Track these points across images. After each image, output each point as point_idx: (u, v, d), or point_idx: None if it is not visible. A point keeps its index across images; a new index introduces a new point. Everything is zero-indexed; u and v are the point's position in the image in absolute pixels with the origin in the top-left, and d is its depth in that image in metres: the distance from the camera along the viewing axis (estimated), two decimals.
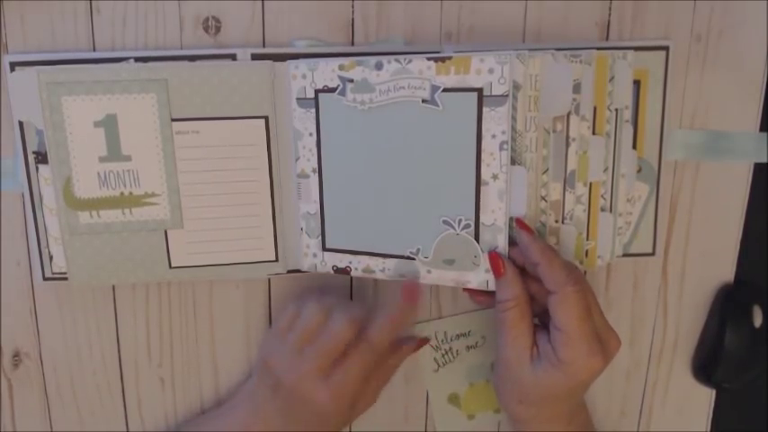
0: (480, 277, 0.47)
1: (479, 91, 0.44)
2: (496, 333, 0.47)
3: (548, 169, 0.47)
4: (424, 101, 0.46)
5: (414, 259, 0.49)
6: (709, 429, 0.61)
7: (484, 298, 0.48)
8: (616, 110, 0.49)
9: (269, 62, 0.49)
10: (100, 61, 0.49)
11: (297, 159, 0.51)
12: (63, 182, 0.49)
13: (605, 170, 0.49)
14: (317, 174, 0.50)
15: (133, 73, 0.48)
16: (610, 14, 0.52)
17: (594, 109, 0.47)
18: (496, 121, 0.44)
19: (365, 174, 0.49)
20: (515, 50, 0.44)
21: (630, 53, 0.49)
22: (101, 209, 0.50)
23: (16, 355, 0.54)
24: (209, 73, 0.49)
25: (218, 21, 0.50)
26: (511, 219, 0.46)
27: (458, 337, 0.57)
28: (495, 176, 0.45)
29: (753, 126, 0.55)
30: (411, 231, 0.48)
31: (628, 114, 0.50)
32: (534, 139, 0.45)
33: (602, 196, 0.49)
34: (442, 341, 0.57)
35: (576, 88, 0.46)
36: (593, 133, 0.48)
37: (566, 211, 0.48)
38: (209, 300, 0.55)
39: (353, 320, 0.46)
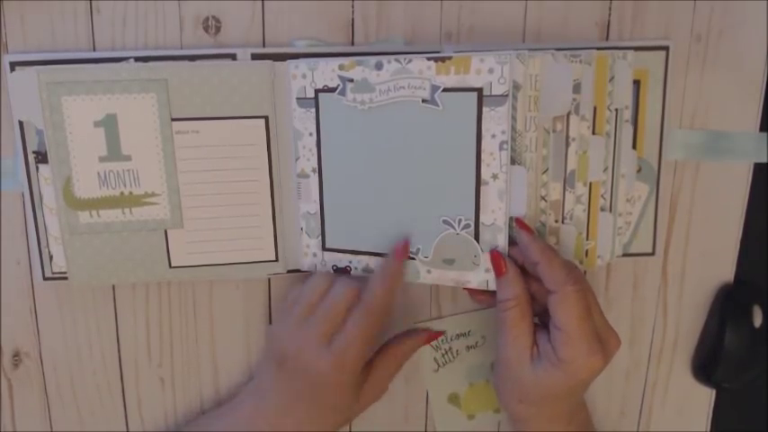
0: (480, 277, 0.47)
1: (479, 91, 0.44)
2: (497, 332, 0.47)
3: (547, 169, 0.47)
4: (424, 101, 0.46)
5: (414, 259, 0.49)
6: (709, 429, 0.61)
7: (484, 297, 0.48)
8: (616, 110, 0.49)
9: (269, 62, 0.49)
10: (100, 61, 0.49)
11: (297, 159, 0.51)
12: (63, 182, 0.49)
13: (605, 170, 0.49)
14: (317, 174, 0.50)
15: (133, 73, 0.48)
16: (610, 14, 0.52)
17: (594, 109, 0.47)
18: (496, 121, 0.44)
19: (365, 174, 0.49)
20: (515, 50, 0.44)
21: (630, 53, 0.49)
22: (101, 208, 0.50)
23: (16, 354, 0.54)
24: (209, 73, 0.49)
25: (218, 21, 0.50)
26: (511, 219, 0.46)
27: (458, 337, 0.57)
28: (494, 176, 0.45)
29: (753, 126, 0.55)
30: (411, 231, 0.48)
31: (628, 114, 0.50)
32: (534, 138, 0.45)
33: (601, 196, 0.49)
34: (442, 341, 0.57)
35: (576, 88, 0.46)
36: (593, 133, 0.48)
37: (565, 211, 0.48)
38: (209, 300, 0.55)
39: (352, 288, 0.47)
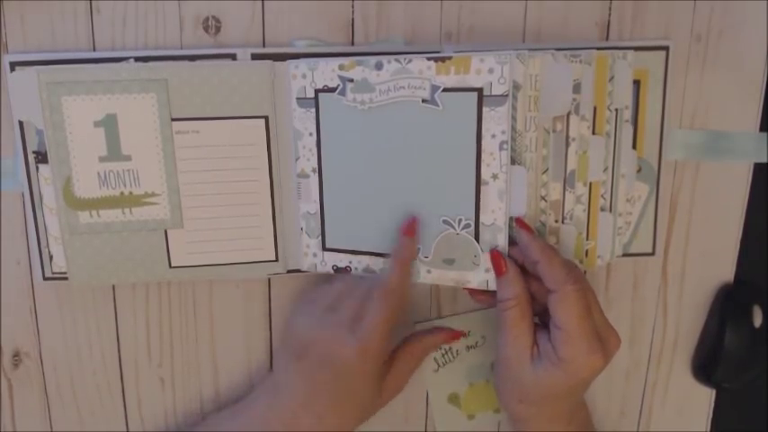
0: (480, 277, 0.47)
1: (479, 91, 0.44)
2: (497, 332, 0.47)
3: (547, 169, 0.47)
4: (424, 101, 0.46)
5: (414, 259, 0.49)
6: (709, 429, 0.61)
7: (484, 297, 0.48)
8: (616, 110, 0.49)
9: (269, 62, 0.49)
10: (100, 61, 0.49)
11: (297, 159, 0.51)
12: (63, 182, 0.49)
13: (605, 170, 0.49)
14: (316, 173, 0.50)
15: (133, 73, 0.48)
16: (610, 14, 0.52)
17: (594, 109, 0.47)
18: (496, 121, 0.44)
19: (365, 173, 0.49)
20: (515, 50, 0.44)
21: (630, 53, 0.49)
22: (101, 208, 0.50)
23: (16, 354, 0.54)
24: (209, 73, 0.49)
25: (218, 21, 0.50)
26: (510, 218, 0.46)
27: None
28: (495, 176, 0.45)
29: (753, 126, 0.55)
30: None
31: (628, 114, 0.50)
32: (534, 138, 0.45)
33: (602, 196, 0.49)
34: None
35: (576, 88, 0.46)
36: (593, 133, 0.48)
37: (566, 211, 0.48)
38: (209, 300, 0.55)
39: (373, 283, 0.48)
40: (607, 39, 0.53)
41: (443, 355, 0.57)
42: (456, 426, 0.58)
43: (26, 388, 0.55)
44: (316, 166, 0.50)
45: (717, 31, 0.53)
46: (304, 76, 0.49)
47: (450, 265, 0.48)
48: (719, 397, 0.60)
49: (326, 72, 0.48)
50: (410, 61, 0.46)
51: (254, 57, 0.50)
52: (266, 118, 0.50)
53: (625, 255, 0.55)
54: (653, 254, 0.56)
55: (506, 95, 0.44)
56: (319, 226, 0.51)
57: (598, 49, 0.48)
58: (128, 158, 0.49)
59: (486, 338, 0.57)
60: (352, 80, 0.47)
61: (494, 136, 0.44)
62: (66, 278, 0.51)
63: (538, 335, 0.45)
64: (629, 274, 0.57)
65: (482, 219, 0.46)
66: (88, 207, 0.49)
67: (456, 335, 0.54)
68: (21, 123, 0.49)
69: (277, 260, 0.52)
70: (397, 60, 0.46)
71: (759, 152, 0.55)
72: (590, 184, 0.48)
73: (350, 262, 0.51)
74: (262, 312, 0.55)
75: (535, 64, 0.44)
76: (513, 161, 0.45)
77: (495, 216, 0.46)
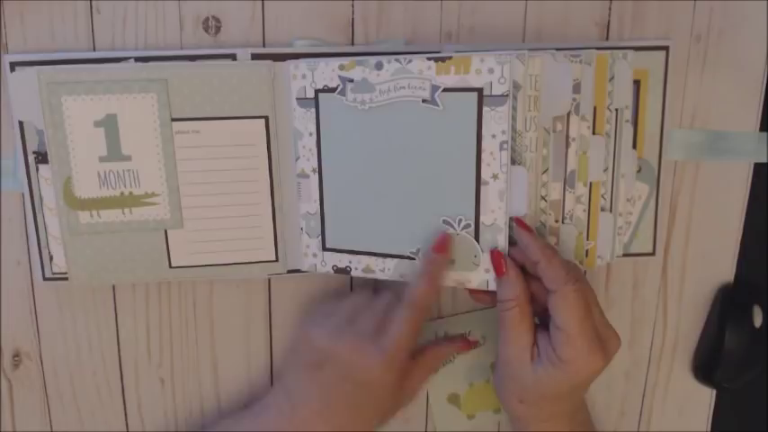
0: (480, 277, 0.47)
1: (479, 91, 0.44)
2: (497, 332, 0.47)
3: (548, 169, 0.47)
4: (424, 101, 0.46)
5: (414, 259, 0.49)
6: (709, 429, 0.61)
7: (485, 297, 0.48)
8: (616, 110, 0.49)
9: (269, 62, 0.49)
10: (100, 61, 0.49)
11: (297, 159, 0.51)
12: (63, 182, 0.49)
13: (605, 170, 0.49)
14: (317, 174, 0.50)
15: (133, 73, 0.48)
16: (610, 14, 0.52)
17: (594, 109, 0.47)
18: (497, 121, 0.44)
19: (365, 173, 0.49)
20: (515, 50, 0.44)
21: (630, 53, 0.49)
22: (101, 209, 0.50)
23: (16, 355, 0.54)
24: (209, 73, 0.49)
25: (218, 21, 0.50)
26: (510, 219, 0.46)
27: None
28: (495, 176, 0.45)
29: (753, 126, 0.55)
30: (411, 231, 0.48)
31: (628, 114, 0.50)
32: (534, 138, 0.45)
33: (602, 196, 0.49)
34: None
35: (576, 88, 0.46)
36: (594, 133, 0.48)
37: (566, 211, 0.48)
38: (209, 300, 0.55)
39: (397, 294, 0.48)
40: (607, 39, 0.53)
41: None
42: (456, 426, 0.58)
43: (26, 388, 0.55)
44: (316, 166, 0.50)
45: (717, 31, 0.53)
46: (304, 77, 0.49)
47: (450, 266, 0.48)
48: (719, 397, 0.60)
49: (327, 72, 0.48)
50: (410, 61, 0.46)
51: (254, 57, 0.50)
52: (266, 118, 0.50)
53: (625, 255, 0.55)
54: (653, 254, 0.56)
55: (507, 95, 0.44)
56: (319, 226, 0.51)
57: (598, 49, 0.48)
58: (128, 158, 0.49)
59: (486, 338, 0.57)
60: (352, 80, 0.47)
61: (494, 136, 0.44)
62: (66, 278, 0.51)
63: (538, 335, 0.45)
64: (630, 275, 0.57)
65: (482, 219, 0.46)
66: (88, 207, 0.49)
67: (470, 344, 0.54)
68: (21, 123, 0.49)
69: (277, 260, 0.52)
70: (397, 60, 0.46)
71: (759, 152, 0.55)
72: (590, 184, 0.48)
73: (350, 262, 0.51)
74: (262, 312, 0.55)
75: (535, 64, 0.44)
76: (513, 161, 0.45)
77: (496, 216, 0.46)
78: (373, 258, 0.50)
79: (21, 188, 0.51)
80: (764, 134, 0.55)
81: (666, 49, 0.52)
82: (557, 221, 0.48)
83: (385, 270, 0.50)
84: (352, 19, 0.51)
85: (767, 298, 0.57)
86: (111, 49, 0.50)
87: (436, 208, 0.47)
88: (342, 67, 0.48)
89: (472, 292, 0.49)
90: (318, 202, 0.51)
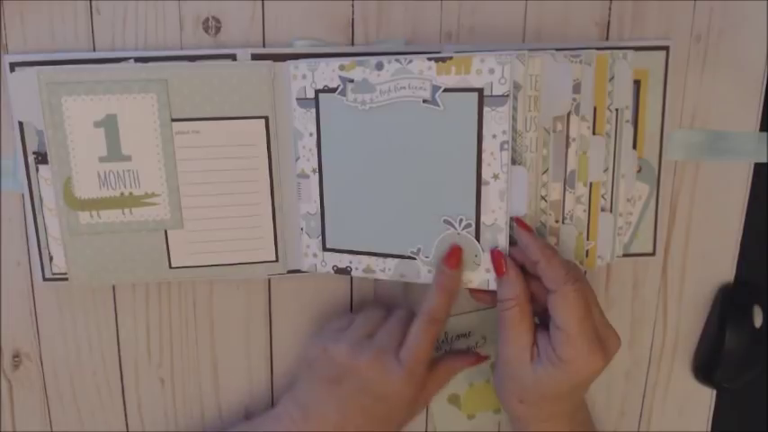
0: (481, 277, 0.47)
1: (480, 91, 0.44)
2: (498, 332, 0.47)
3: (548, 169, 0.47)
4: (424, 101, 0.46)
5: (414, 259, 0.49)
6: (709, 429, 0.61)
7: (486, 296, 0.48)
8: (616, 110, 0.49)
9: (269, 62, 0.49)
10: (100, 61, 0.49)
11: (297, 159, 0.51)
12: (63, 182, 0.49)
13: (605, 170, 0.49)
14: (317, 174, 0.50)
15: (133, 73, 0.48)
16: (610, 14, 0.52)
17: (594, 109, 0.47)
18: (497, 121, 0.44)
19: (365, 174, 0.49)
20: (515, 50, 0.44)
21: (630, 53, 0.49)
22: (101, 209, 0.50)
23: (16, 355, 0.54)
24: (209, 73, 0.49)
25: (218, 21, 0.50)
26: (511, 218, 0.46)
27: (458, 337, 0.57)
28: (495, 176, 0.45)
29: (753, 126, 0.55)
30: (412, 231, 0.48)
31: (628, 114, 0.50)
32: (534, 139, 0.45)
33: (602, 196, 0.49)
34: (443, 342, 0.57)
35: (576, 88, 0.46)
36: (594, 133, 0.48)
37: (566, 211, 0.48)
38: (209, 300, 0.55)
39: (410, 312, 0.50)
40: (607, 39, 0.53)
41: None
42: (456, 426, 0.58)
43: (26, 389, 0.55)
44: (316, 166, 0.50)
45: (717, 31, 0.53)
46: (304, 77, 0.49)
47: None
48: (720, 397, 0.60)
49: (327, 72, 0.48)
50: (411, 61, 0.46)
51: (254, 57, 0.50)
52: (266, 118, 0.50)
53: (625, 255, 0.55)
54: (653, 254, 0.56)
55: (507, 96, 0.44)
56: (319, 226, 0.51)
57: (598, 49, 0.48)
58: (128, 159, 0.49)
59: (486, 338, 0.57)
60: (352, 80, 0.47)
61: (494, 136, 0.44)
62: (66, 279, 0.51)
63: (538, 335, 0.45)
64: (630, 275, 0.57)
65: (483, 219, 0.46)
66: (88, 207, 0.49)
67: (481, 358, 0.54)
68: (21, 124, 0.49)
69: (277, 260, 0.52)
70: (397, 61, 0.46)
71: (759, 152, 0.55)
72: (590, 184, 0.48)
73: (350, 262, 0.51)
74: (262, 312, 0.55)
75: (535, 64, 0.44)
76: (513, 161, 0.45)
77: (496, 216, 0.46)
78: (374, 258, 0.50)
79: (21, 188, 0.51)
80: (764, 134, 0.55)
81: (666, 49, 0.52)
82: (557, 221, 0.48)
83: (385, 270, 0.50)
84: (352, 19, 0.51)
85: (767, 298, 0.57)
86: (111, 49, 0.50)
87: (437, 208, 0.47)
88: (342, 68, 0.48)
89: (473, 291, 0.49)
90: (318, 202, 0.51)
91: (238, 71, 0.49)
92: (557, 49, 0.46)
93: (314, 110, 0.49)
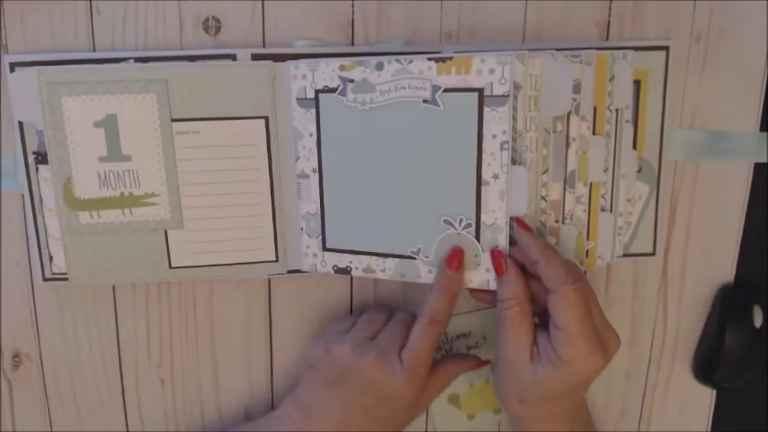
0: (481, 277, 0.47)
1: (480, 91, 0.44)
2: (498, 332, 0.47)
3: (548, 169, 0.47)
4: (425, 101, 0.46)
5: (415, 259, 0.49)
6: (709, 429, 0.61)
7: (486, 296, 0.48)
8: (616, 110, 0.49)
9: (269, 62, 0.49)
10: (100, 61, 0.49)
11: (297, 159, 0.51)
12: (63, 182, 0.49)
13: (605, 170, 0.49)
14: (317, 174, 0.50)
15: (133, 73, 0.48)
16: (610, 14, 0.52)
17: (594, 109, 0.47)
18: (497, 121, 0.44)
19: (366, 174, 0.49)
20: (515, 51, 0.44)
21: (630, 53, 0.49)
22: (101, 209, 0.50)
23: (16, 355, 0.54)
24: (209, 73, 0.49)
25: (218, 21, 0.50)
26: (511, 218, 0.46)
27: (458, 337, 0.57)
28: (495, 176, 0.45)
29: (753, 126, 0.55)
30: (412, 231, 0.48)
31: (628, 114, 0.50)
32: (534, 139, 0.45)
33: (602, 196, 0.49)
34: (443, 342, 0.57)
35: (576, 88, 0.46)
36: (594, 133, 0.48)
37: (566, 211, 0.48)
38: (209, 300, 0.55)
39: (412, 314, 0.50)
40: (607, 39, 0.53)
41: (443, 356, 0.57)
42: (456, 426, 0.58)
43: (26, 389, 0.55)
44: (316, 166, 0.50)
45: (717, 31, 0.53)
46: (304, 77, 0.49)
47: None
48: (719, 397, 0.60)
49: (327, 72, 0.48)
50: (411, 62, 0.46)
51: (254, 57, 0.50)
52: (266, 118, 0.50)
53: (625, 255, 0.55)
54: (653, 254, 0.56)
55: (507, 96, 0.44)
56: (319, 226, 0.51)
57: (598, 49, 0.48)
58: (128, 159, 0.49)
59: (486, 338, 0.57)
60: (352, 80, 0.47)
61: (494, 136, 0.44)
62: (66, 279, 0.51)
63: (538, 335, 0.45)
64: (629, 275, 0.57)
65: (483, 218, 0.46)
66: (88, 207, 0.49)
67: (482, 363, 0.54)
68: (21, 124, 0.49)
69: (277, 260, 0.52)
70: (397, 61, 0.46)
71: (759, 152, 0.55)
72: (590, 184, 0.48)
73: (350, 262, 0.51)
74: (262, 312, 0.55)
75: (535, 64, 0.44)
76: (513, 161, 0.45)
77: (496, 216, 0.46)
78: (374, 258, 0.50)
79: (21, 189, 0.51)
80: (764, 134, 0.55)
81: (666, 49, 0.52)
82: (557, 221, 0.48)
83: (385, 270, 0.50)
84: (352, 19, 0.51)
85: (767, 298, 0.57)
86: (111, 49, 0.50)
87: (437, 208, 0.47)
88: (342, 68, 0.48)
89: (473, 291, 0.49)
90: (318, 202, 0.51)
91: (238, 71, 0.49)
92: (557, 49, 0.46)
93: (314, 110, 0.49)
